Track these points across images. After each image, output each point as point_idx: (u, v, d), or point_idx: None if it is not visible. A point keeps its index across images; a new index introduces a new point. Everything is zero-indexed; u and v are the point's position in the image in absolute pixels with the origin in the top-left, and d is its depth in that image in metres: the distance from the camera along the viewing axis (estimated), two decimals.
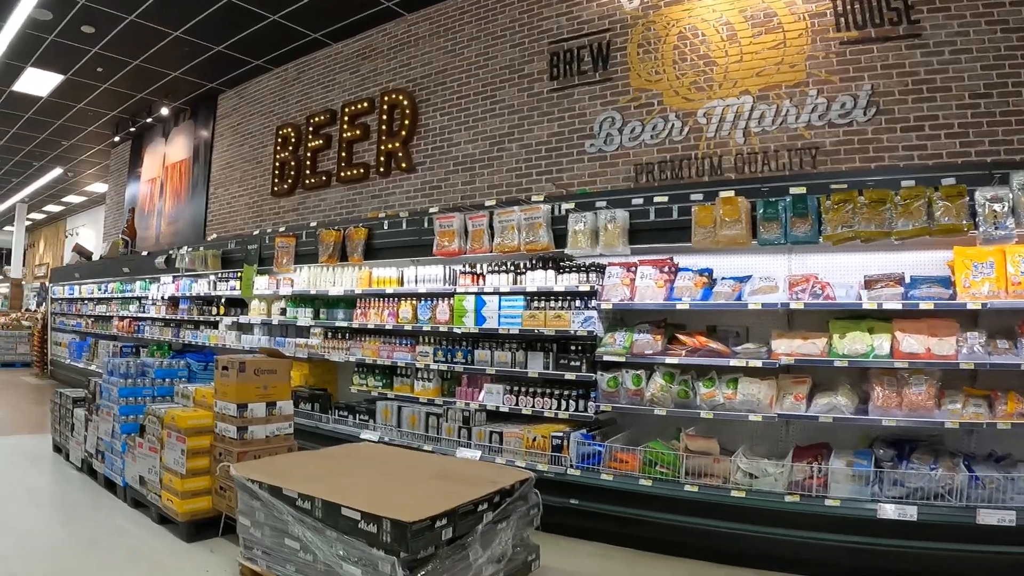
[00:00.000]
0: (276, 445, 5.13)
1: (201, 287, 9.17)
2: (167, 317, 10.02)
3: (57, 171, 18.45)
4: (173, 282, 9.91)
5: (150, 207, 13.83)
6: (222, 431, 5.05)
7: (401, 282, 6.64)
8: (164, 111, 12.79)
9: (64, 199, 24.16)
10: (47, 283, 30.14)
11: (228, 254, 8.68)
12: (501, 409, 5.89)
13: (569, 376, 5.50)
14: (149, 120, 13.40)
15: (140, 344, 10.90)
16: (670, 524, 4.72)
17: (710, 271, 5.27)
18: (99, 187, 21.12)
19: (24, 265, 29.55)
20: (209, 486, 5.06)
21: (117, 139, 15.08)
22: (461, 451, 5.80)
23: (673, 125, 6.82)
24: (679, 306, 5.04)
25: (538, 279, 5.75)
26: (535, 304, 5.73)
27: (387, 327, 6.63)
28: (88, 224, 25.34)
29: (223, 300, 8.76)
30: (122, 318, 11.60)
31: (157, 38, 10.01)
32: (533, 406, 5.69)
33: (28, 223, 28.21)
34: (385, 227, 6.72)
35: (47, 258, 30.75)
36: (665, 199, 5.23)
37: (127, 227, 12.53)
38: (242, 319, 8.34)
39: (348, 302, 7.23)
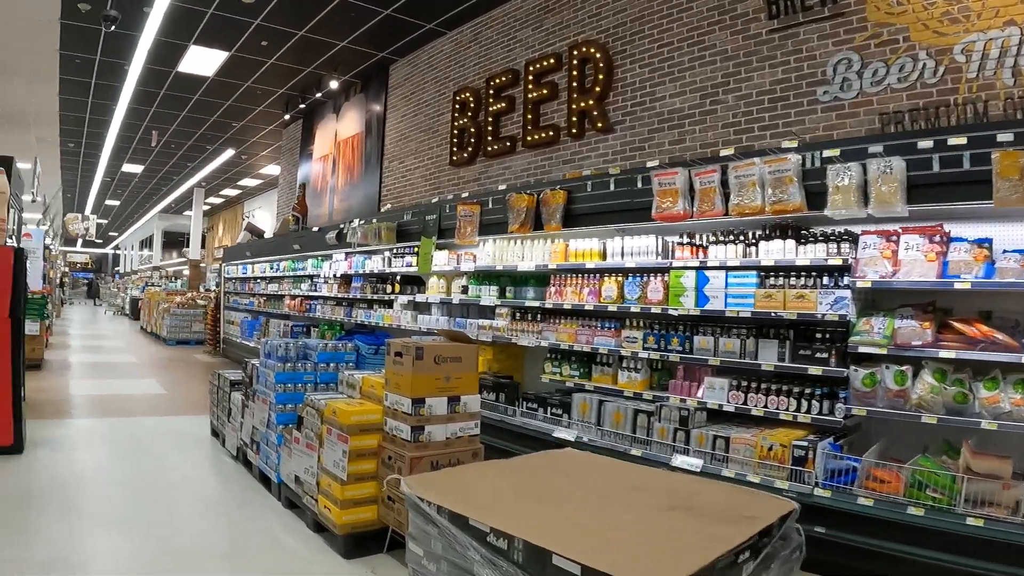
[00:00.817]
0: (458, 449, 4.36)
1: (375, 264, 8.76)
2: (339, 296, 9.73)
3: (230, 153, 19.16)
4: (346, 259, 9.59)
5: (322, 185, 13.79)
6: (392, 430, 4.34)
7: (604, 255, 5.80)
8: (333, 84, 12.63)
9: (239, 182, 25.26)
10: (222, 264, 32.18)
11: (404, 227, 8.17)
12: (724, 408, 4.93)
13: (813, 370, 4.44)
14: (319, 96, 13.33)
15: (311, 324, 10.71)
16: (949, 568, 3.62)
17: (989, 241, 4.05)
18: (272, 169, 21.81)
19: (203, 247, 31.23)
20: (374, 494, 4.41)
21: (287, 117, 15.22)
22: (677, 458, 4.91)
23: (924, 65, 5.53)
24: (957, 285, 3.93)
25: (774, 250, 4.75)
26: (771, 281, 4.75)
27: (586, 307, 5.80)
28: (264, 206, 26.44)
29: (398, 277, 8.28)
30: (293, 297, 11.51)
31: (321, 5, 9.75)
32: (765, 406, 4.71)
33: (206, 207, 29.90)
34: (588, 188, 5.86)
35: (225, 240, 32.44)
36: (962, 141, 4.01)
37: (297, 203, 12.45)
38: (419, 298, 7.82)
39: (539, 279, 6.48)
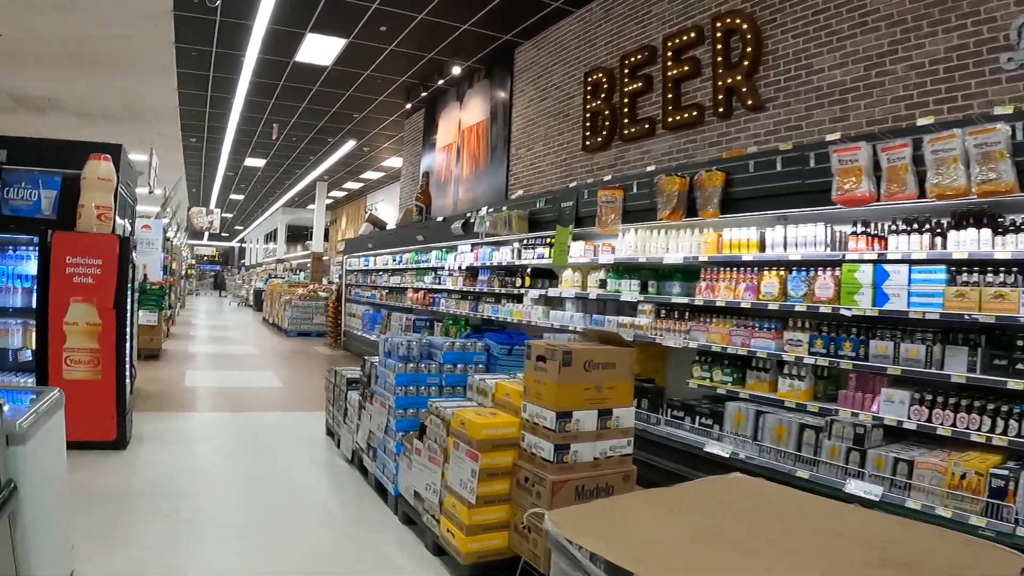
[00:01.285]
0: (608, 472, 3.88)
1: (503, 255, 8.45)
2: (464, 289, 9.49)
3: (351, 145, 19.40)
4: (471, 251, 9.33)
5: (446, 175, 13.63)
6: (531, 447, 3.86)
7: (762, 246, 5.25)
8: (456, 71, 12.44)
9: (361, 175, 25.66)
10: (344, 256, 32.92)
11: (536, 215, 7.83)
12: (905, 425, 4.29)
13: (1013, 384, 3.76)
14: (441, 83, 13.17)
15: (435, 318, 10.53)
16: None
17: None
18: (394, 162, 22.00)
19: (327, 240, 32.01)
20: (506, 519, 3.97)
21: (409, 107, 15.17)
22: (851, 483, 4.33)
23: None
24: None
25: (967, 241, 4.08)
26: (962, 277, 4.08)
27: (742, 305, 5.25)
28: (386, 199, 26.78)
29: (528, 270, 7.93)
30: (416, 290, 11.38)
31: None
32: (953, 424, 4.05)
33: (329, 200, 30.60)
34: (751, 168, 5.29)
35: (348, 233, 33.15)
36: None
37: (420, 192, 12.32)
38: (551, 292, 7.44)
39: (686, 273, 5.99)
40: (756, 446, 5.01)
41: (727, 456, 5.03)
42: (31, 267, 6.19)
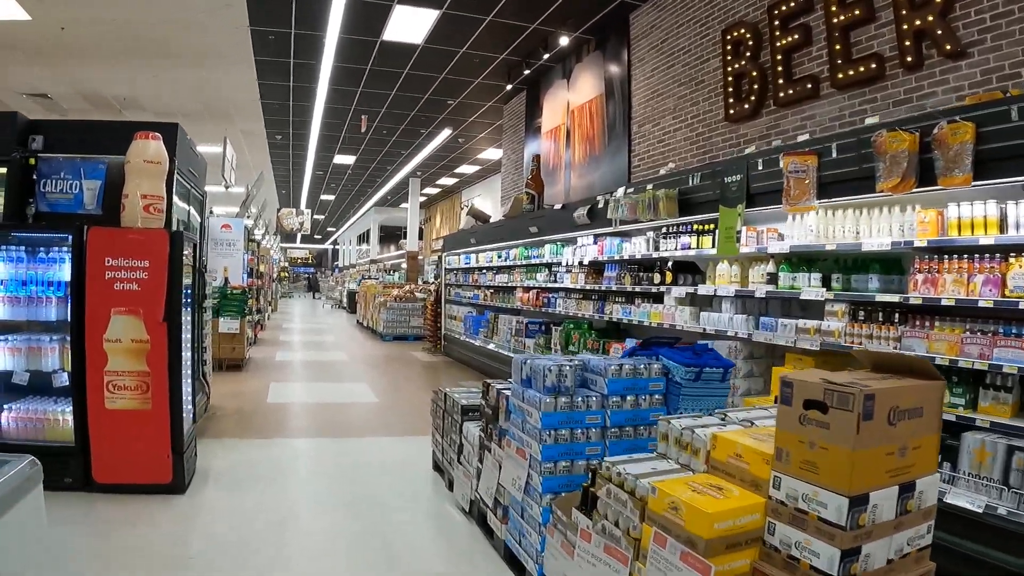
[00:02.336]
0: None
1: (635, 247, 7.41)
2: (586, 288, 8.50)
3: (445, 134, 18.58)
4: (594, 243, 8.33)
5: (555, 162, 12.64)
6: (789, 546, 2.36)
7: (1003, 225, 4.03)
8: (563, 41, 11.43)
9: (456, 169, 25.03)
10: (442, 254, 32.53)
11: (687, 195, 6.66)
12: None
13: None
14: (545, 58, 12.16)
15: (551, 321, 9.60)
16: None
17: None
18: (491, 153, 21.21)
19: (420, 239, 31.61)
20: None
21: (510, 87, 14.22)
22: None
23: None
24: None
25: None
26: None
27: (980, 303, 4.05)
28: (483, 194, 26.13)
29: (668, 264, 6.84)
30: (527, 289, 10.44)
31: None
32: None
33: (422, 198, 30.13)
34: (1014, 116, 3.98)
35: (443, 231, 32.77)
36: None
37: (531, 179, 11.33)
38: (701, 290, 6.32)
39: (886, 263, 4.86)
40: (1015, 495, 3.80)
41: (979, 511, 3.82)
42: (67, 272, 5.30)
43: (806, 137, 6.11)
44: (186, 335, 5.70)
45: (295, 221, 30.42)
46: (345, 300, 32.39)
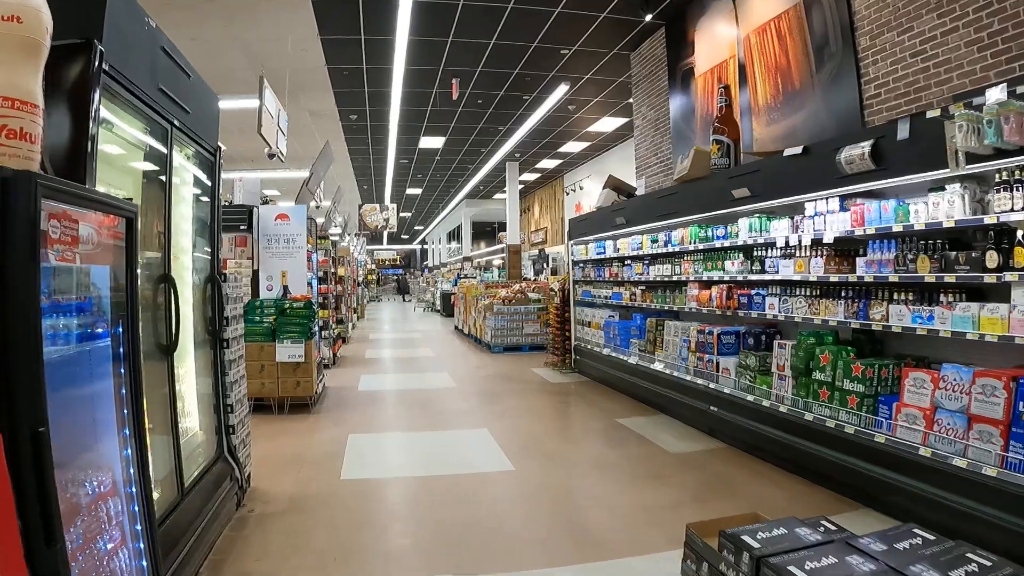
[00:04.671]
0: None
1: (937, 211, 4.55)
2: (826, 279, 5.68)
3: (556, 94, 15.47)
4: (842, 209, 5.49)
5: (712, 116, 9.73)
6: None
7: None
8: None
9: (560, 148, 22.49)
10: (544, 249, 30.18)
11: None
12: None
13: None
14: None
15: (760, 329, 6.83)
16: None
17: None
18: (605, 124, 18.74)
19: (520, 230, 29.39)
20: None
21: (649, 18, 11.17)
22: None
23: None
24: None
25: None
26: None
27: None
28: (592, 174, 23.49)
29: (1016, 234, 3.96)
30: (707, 283, 7.68)
31: None
32: None
33: (519, 186, 27.55)
34: None
35: (543, 222, 30.32)
36: None
37: (720, 119, 8.21)
38: None
39: None
40: None
41: None
42: None
43: None
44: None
45: (379, 218, 28.27)
46: (439, 302, 30.15)
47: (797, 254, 6.12)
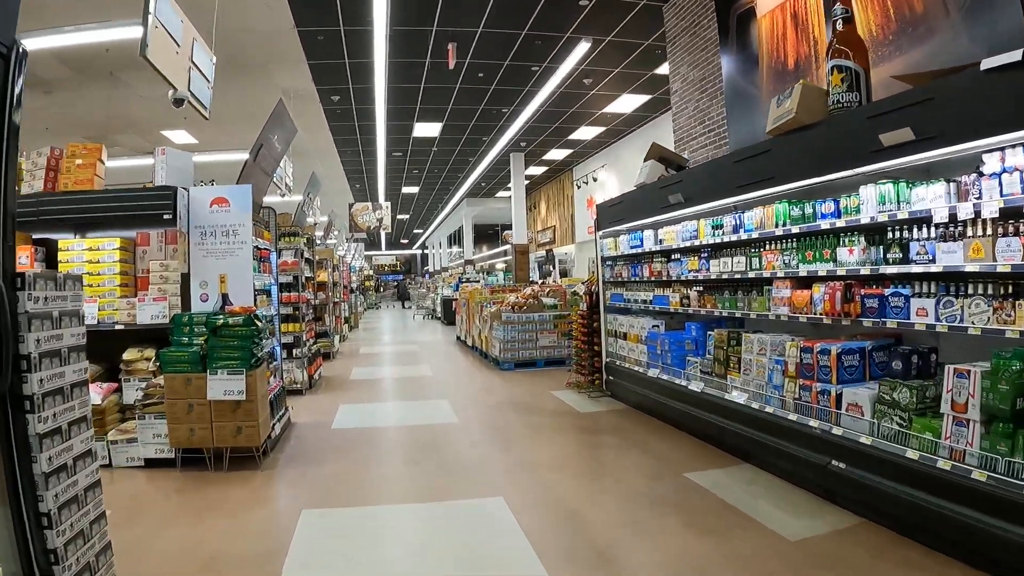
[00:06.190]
0: None
1: None
2: (1019, 267, 3.72)
3: (581, 51, 13.25)
4: None
5: (800, 54, 7.73)
6: None
7: None
8: None
9: (571, 136, 20.77)
10: (552, 250, 28.48)
11: None
12: None
13: None
14: None
15: (912, 348, 4.88)
16: None
17: None
18: (624, 103, 17.15)
19: (528, 230, 27.87)
20: None
21: None
22: None
23: None
24: None
25: None
26: None
27: None
28: (607, 164, 21.60)
29: None
30: (805, 280, 5.69)
31: None
32: None
33: (524, 181, 25.91)
34: None
35: (551, 220, 28.66)
36: None
37: (840, 40, 5.80)
38: None
39: None
40: None
41: None
42: None
43: None
44: None
45: (372, 217, 26.40)
46: (440, 309, 28.48)
47: (970, 233, 4.14)
